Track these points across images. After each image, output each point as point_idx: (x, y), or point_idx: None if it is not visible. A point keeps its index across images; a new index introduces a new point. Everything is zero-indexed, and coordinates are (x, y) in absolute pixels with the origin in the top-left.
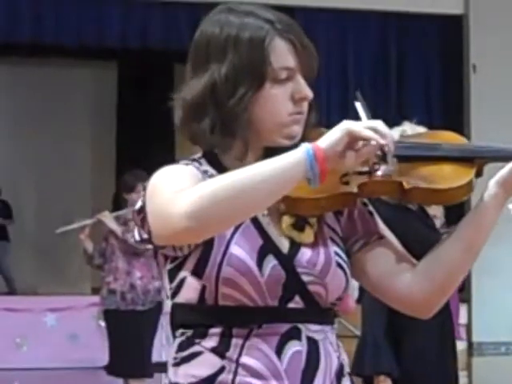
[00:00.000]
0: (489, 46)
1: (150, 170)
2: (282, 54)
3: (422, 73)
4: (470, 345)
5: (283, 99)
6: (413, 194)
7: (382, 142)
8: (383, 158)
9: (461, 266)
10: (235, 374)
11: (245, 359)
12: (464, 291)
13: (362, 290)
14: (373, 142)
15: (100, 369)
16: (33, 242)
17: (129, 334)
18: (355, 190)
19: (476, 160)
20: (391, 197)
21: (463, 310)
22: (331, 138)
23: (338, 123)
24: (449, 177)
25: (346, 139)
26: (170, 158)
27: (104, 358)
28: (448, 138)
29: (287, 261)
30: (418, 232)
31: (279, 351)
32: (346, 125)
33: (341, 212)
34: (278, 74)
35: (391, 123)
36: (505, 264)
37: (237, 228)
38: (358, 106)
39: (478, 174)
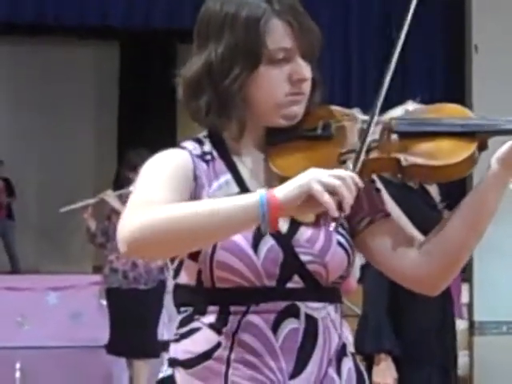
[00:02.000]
0: (490, 26)
1: (153, 148)
2: (278, 35)
3: (424, 52)
4: (472, 324)
5: (279, 80)
6: (411, 171)
7: (335, 214)
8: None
9: (465, 244)
10: (231, 350)
11: (241, 335)
12: (466, 271)
13: (363, 269)
14: (329, 209)
15: (102, 348)
16: (34, 221)
17: (130, 312)
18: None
19: (477, 134)
20: (392, 174)
21: (465, 289)
22: (290, 192)
23: (340, 100)
24: (448, 152)
25: (304, 197)
26: (171, 138)
27: (106, 337)
28: (451, 112)
29: (285, 241)
30: (420, 211)
31: (275, 328)
32: (308, 183)
33: None
34: (273, 55)
35: (394, 102)
36: (506, 244)
37: None
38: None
39: (482, 147)
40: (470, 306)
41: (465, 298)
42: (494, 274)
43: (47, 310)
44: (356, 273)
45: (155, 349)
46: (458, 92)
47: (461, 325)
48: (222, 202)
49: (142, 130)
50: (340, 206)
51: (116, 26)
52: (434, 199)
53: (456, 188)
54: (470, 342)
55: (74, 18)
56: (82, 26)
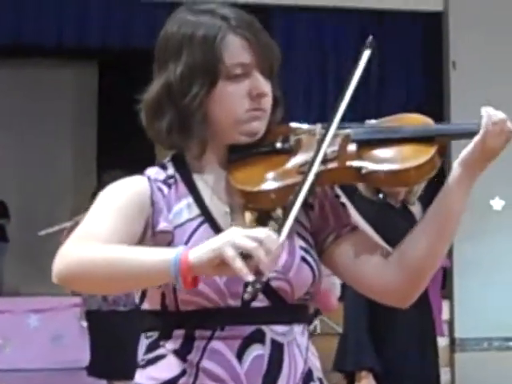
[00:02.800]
0: (468, 43)
1: (132, 170)
2: (235, 51)
3: (402, 69)
4: (453, 341)
5: (239, 96)
6: (372, 178)
7: (247, 279)
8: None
9: (432, 250)
10: (195, 377)
11: (205, 363)
12: (446, 288)
13: (343, 287)
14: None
15: (83, 369)
16: (15, 243)
17: (111, 334)
18: None
19: (437, 139)
20: (354, 183)
21: (445, 306)
22: (203, 256)
23: (317, 122)
24: (407, 157)
25: (217, 261)
26: (150, 157)
27: (87, 359)
28: (410, 120)
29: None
30: (400, 229)
31: (240, 355)
32: (221, 247)
33: (311, 206)
34: (231, 71)
35: (371, 118)
36: (486, 261)
37: (193, 232)
38: (366, 54)
39: (443, 152)
40: (451, 322)
41: (445, 315)
42: (474, 290)
43: (28, 332)
44: (337, 291)
45: (135, 370)
46: (436, 108)
47: (442, 342)
48: (145, 253)
49: (122, 149)
50: (258, 270)
51: (94, 46)
52: (415, 216)
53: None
54: (451, 358)
55: (52, 39)
56: (61, 47)
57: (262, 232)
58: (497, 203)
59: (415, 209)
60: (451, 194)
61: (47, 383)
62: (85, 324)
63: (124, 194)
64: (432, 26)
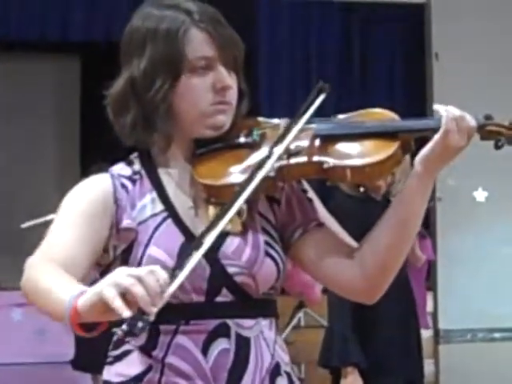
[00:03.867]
0: (451, 34)
1: (115, 163)
2: (197, 44)
3: (384, 61)
4: (437, 332)
5: (203, 89)
6: (335, 174)
7: (123, 316)
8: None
9: (395, 246)
10: (161, 373)
11: (170, 359)
12: (429, 280)
13: None
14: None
15: (68, 363)
16: None
17: None
18: (273, 173)
19: (400, 134)
20: (317, 178)
21: (429, 298)
22: (87, 300)
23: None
24: (369, 152)
25: (100, 304)
26: (133, 151)
27: (72, 353)
28: (376, 116)
29: (211, 254)
30: None
31: (205, 350)
32: (102, 288)
33: (277, 201)
34: (194, 64)
35: (354, 110)
36: (469, 252)
37: (157, 227)
38: (320, 98)
39: (407, 149)
40: (435, 314)
41: (429, 307)
42: (457, 282)
43: (12, 326)
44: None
45: None
46: (419, 100)
47: (426, 333)
48: (60, 289)
49: (104, 142)
50: (139, 308)
51: (77, 40)
52: None
53: None
54: (435, 350)
55: (34, 33)
56: (43, 41)
57: (145, 269)
58: (480, 194)
59: None
60: (411, 192)
61: (31, 377)
62: None
63: (86, 196)
64: (414, 17)
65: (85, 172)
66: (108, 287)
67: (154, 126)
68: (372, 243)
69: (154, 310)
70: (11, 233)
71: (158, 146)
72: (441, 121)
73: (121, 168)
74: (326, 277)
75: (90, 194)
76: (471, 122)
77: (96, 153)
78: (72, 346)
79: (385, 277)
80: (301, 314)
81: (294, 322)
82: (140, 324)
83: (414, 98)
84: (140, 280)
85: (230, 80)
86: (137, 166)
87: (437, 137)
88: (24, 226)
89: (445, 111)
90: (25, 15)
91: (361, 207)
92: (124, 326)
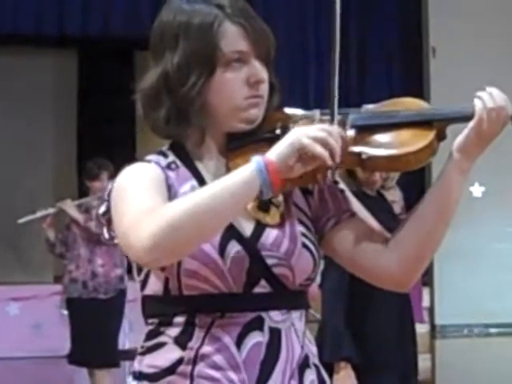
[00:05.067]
0: (448, 29)
1: (112, 157)
2: (232, 38)
3: (382, 55)
4: (433, 327)
5: (237, 83)
6: (372, 164)
7: (329, 163)
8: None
9: (432, 235)
10: (194, 364)
11: (205, 349)
12: (426, 275)
13: (322, 275)
14: (321, 159)
15: (64, 358)
16: None
17: (91, 322)
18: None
19: (435, 123)
20: (352, 168)
21: (425, 293)
22: (283, 151)
23: (298, 100)
24: (407, 142)
25: (298, 154)
26: (131, 146)
27: (68, 347)
28: (407, 104)
29: (250, 245)
30: (375, 218)
31: (239, 342)
32: (297, 139)
33: (310, 192)
34: (229, 59)
35: (352, 106)
36: (467, 247)
37: None
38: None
39: (441, 137)
40: (431, 309)
41: (426, 302)
42: (454, 277)
43: (8, 320)
44: (317, 278)
45: (116, 358)
46: (416, 95)
47: (422, 328)
48: (222, 182)
49: (102, 136)
50: (332, 156)
51: (74, 34)
52: (391, 205)
53: (416, 193)
54: (431, 345)
55: (31, 27)
56: (40, 35)
57: (325, 126)
58: (477, 190)
59: (393, 193)
60: (449, 179)
61: (27, 371)
62: (65, 312)
63: (145, 179)
64: (411, 12)
65: (81, 166)
66: (304, 138)
67: (187, 120)
68: (408, 233)
69: (339, 159)
70: (8, 227)
71: (192, 139)
72: (474, 109)
73: (157, 158)
74: (362, 266)
75: (148, 173)
76: (508, 110)
77: (93, 147)
78: (68, 341)
79: (420, 264)
80: None
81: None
82: (335, 171)
83: (411, 93)
84: (331, 134)
85: (264, 74)
86: (171, 158)
87: (470, 125)
88: (21, 221)
89: (478, 98)
90: (22, 9)
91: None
92: (329, 174)
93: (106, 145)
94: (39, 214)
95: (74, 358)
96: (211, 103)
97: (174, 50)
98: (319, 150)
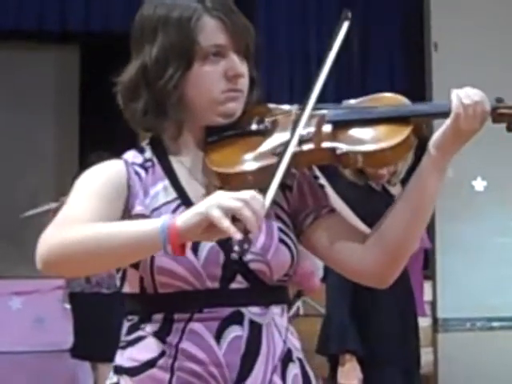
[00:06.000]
0: (450, 24)
1: (113, 152)
2: (210, 32)
3: (384, 50)
4: (435, 321)
5: (215, 77)
6: (348, 159)
7: (237, 237)
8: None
9: (408, 233)
10: (174, 358)
11: (184, 344)
12: (428, 268)
13: (326, 268)
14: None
15: (66, 352)
16: None
17: (94, 316)
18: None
19: (412, 119)
20: (329, 164)
21: (427, 286)
22: (190, 219)
23: (299, 97)
24: (383, 137)
25: (205, 224)
26: (132, 140)
27: (70, 341)
28: (388, 101)
29: (225, 241)
30: (379, 212)
31: (219, 336)
32: (207, 209)
33: (289, 187)
34: (207, 52)
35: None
36: (468, 240)
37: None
38: (345, 25)
39: (419, 132)
40: (434, 303)
41: (428, 296)
42: (456, 270)
43: (11, 314)
44: (320, 272)
45: None
46: (419, 90)
47: (424, 322)
48: (130, 225)
49: (103, 131)
50: (245, 229)
51: (76, 29)
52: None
53: None
54: (433, 339)
55: (33, 23)
56: (42, 31)
57: (247, 193)
58: (479, 184)
59: (398, 189)
60: (425, 176)
61: (30, 366)
62: (68, 306)
63: (101, 178)
64: (413, 7)
65: (83, 161)
66: (214, 208)
67: (165, 113)
68: (384, 228)
69: (256, 231)
70: (11, 222)
71: (170, 133)
72: (451, 105)
73: (133, 155)
74: (339, 261)
75: (104, 176)
76: (484, 105)
77: (95, 142)
78: (71, 335)
79: (397, 262)
80: (299, 303)
81: (293, 310)
82: (246, 245)
83: (413, 88)
84: (247, 203)
85: (242, 68)
86: (148, 154)
87: (447, 122)
88: (24, 215)
89: (455, 95)
90: (24, 5)
91: (362, 196)
92: (236, 248)
93: (108, 139)
94: (42, 208)
95: (77, 351)
96: (189, 96)
97: (152, 43)
98: (226, 224)
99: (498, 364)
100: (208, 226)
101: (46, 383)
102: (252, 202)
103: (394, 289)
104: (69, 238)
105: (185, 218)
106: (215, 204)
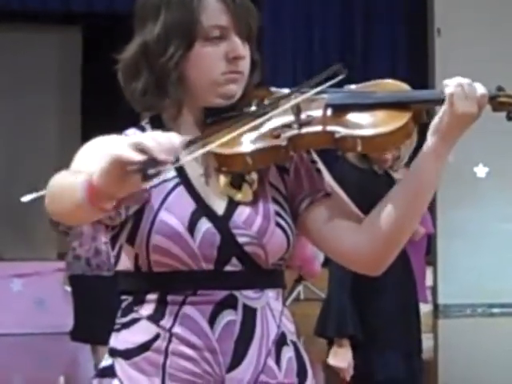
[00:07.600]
0: (453, 9)
1: (116, 132)
2: (213, 13)
3: (387, 36)
4: (436, 307)
5: (216, 58)
6: (345, 143)
7: (138, 159)
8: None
9: (404, 221)
10: (169, 341)
11: (177, 329)
12: (430, 254)
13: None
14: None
15: (67, 334)
16: None
17: (94, 299)
18: (284, 142)
19: (412, 105)
20: (328, 147)
21: (428, 272)
22: (102, 169)
23: (302, 81)
24: (381, 122)
25: (118, 167)
26: (135, 122)
27: (71, 324)
28: (389, 87)
29: (222, 222)
30: (381, 197)
31: (212, 321)
32: (113, 150)
33: (286, 170)
34: (208, 33)
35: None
36: (470, 227)
37: (169, 193)
38: (336, 79)
39: (418, 120)
40: (434, 289)
41: (429, 281)
42: (457, 257)
43: (11, 296)
44: (321, 257)
45: None
46: (421, 76)
47: (425, 308)
48: (70, 175)
49: (106, 114)
50: (155, 161)
51: (78, 10)
52: None
53: None
54: (434, 324)
55: (36, 3)
56: (45, 11)
57: (163, 133)
58: (481, 170)
59: (401, 174)
60: (423, 161)
61: (30, 348)
62: (68, 289)
63: (103, 147)
64: None
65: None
66: (119, 148)
67: (165, 92)
68: (382, 214)
69: (167, 158)
70: (12, 205)
71: (169, 113)
72: (445, 91)
73: (134, 133)
74: (332, 246)
75: (105, 146)
76: (479, 89)
77: (97, 123)
78: (71, 317)
79: (391, 248)
80: (300, 288)
81: (294, 295)
82: (152, 170)
83: (416, 73)
84: (153, 137)
85: (243, 50)
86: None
87: (443, 107)
88: (25, 199)
89: (448, 80)
90: None
91: (365, 179)
92: (135, 167)
93: (110, 120)
94: (42, 192)
95: (77, 334)
96: (189, 76)
97: (155, 21)
98: (134, 154)
99: (499, 350)
100: (122, 173)
101: (45, 365)
102: (160, 137)
103: (395, 274)
104: (50, 182)
105: (98, 169)
106: (119, 145)
